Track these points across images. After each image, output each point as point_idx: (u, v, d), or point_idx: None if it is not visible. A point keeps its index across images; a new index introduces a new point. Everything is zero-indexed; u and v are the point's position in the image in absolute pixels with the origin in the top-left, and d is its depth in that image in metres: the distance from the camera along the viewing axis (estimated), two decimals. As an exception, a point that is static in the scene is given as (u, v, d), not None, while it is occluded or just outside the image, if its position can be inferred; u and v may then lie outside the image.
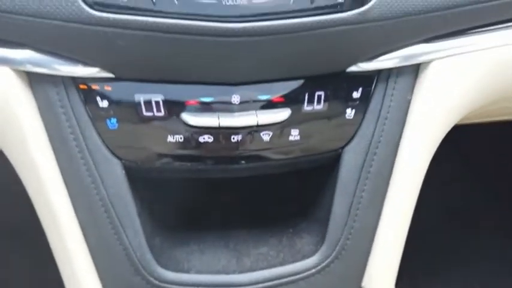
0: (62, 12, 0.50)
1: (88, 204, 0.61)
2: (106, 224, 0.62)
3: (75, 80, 0.57)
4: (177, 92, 0.59)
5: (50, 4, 0.49)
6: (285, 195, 0.82)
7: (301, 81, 0.61)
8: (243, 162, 0.64)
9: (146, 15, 0.50)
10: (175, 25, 0.51)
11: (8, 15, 0.50)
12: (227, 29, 0.52)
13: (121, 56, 0.55)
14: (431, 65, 0.62)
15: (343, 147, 0.66)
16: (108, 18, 0.50)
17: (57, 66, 0.55)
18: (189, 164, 0.64)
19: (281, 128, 0.62)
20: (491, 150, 1.70)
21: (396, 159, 0.67)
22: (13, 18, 0.51)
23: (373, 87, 0.63)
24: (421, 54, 0.61)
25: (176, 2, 0.51)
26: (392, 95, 0.64)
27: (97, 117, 0.59)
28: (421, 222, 0.87)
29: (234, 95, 0.59)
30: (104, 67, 0.56)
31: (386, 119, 0.64)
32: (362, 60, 0.60)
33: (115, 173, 0.61)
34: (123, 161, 0.61)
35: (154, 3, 0.50)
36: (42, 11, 0.50)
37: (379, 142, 0.65)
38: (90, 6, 0.50)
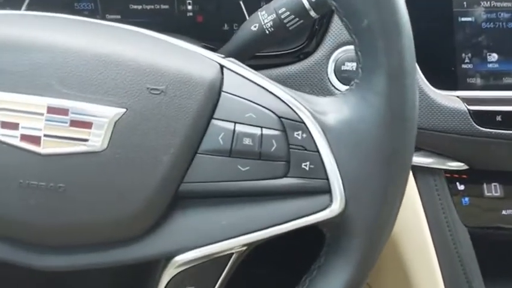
0: (458, 129, 0.79)
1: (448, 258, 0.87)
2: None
3: (440, 171, 0.85)
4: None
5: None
6: None
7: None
8: None
9: None
10: None
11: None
12: None
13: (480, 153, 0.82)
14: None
15: None
16: (491, 132, 0.78)
17: (436, 162, 0.84)
18: None
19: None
20: None
21: None
22: None
23: None
24: None
25: None
26: None
27: (456, 197, 0.86)
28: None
29: None
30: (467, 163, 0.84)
31: None
32: None
33: (465, 237, 0.86)
34: (468, 228, 0.87)
35: None
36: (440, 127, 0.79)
37: None
38: (479, 125, 0.79)
